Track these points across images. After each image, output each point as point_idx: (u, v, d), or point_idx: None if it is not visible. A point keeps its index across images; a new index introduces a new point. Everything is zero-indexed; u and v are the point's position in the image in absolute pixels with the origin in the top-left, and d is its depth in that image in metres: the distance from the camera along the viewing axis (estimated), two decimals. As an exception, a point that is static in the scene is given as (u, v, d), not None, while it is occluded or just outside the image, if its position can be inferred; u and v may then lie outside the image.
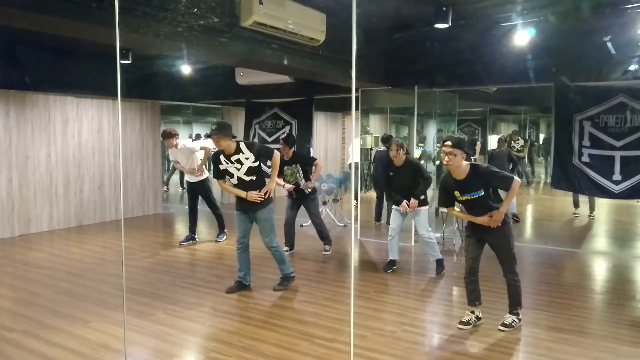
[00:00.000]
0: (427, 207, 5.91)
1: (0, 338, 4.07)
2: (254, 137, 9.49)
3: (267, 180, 5.17)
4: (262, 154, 5.07)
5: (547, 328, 4.28)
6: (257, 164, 4.99)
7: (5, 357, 3.73)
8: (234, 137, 5.02)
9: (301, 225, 8.41)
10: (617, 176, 6.16)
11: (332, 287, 5.46)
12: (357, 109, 8.23)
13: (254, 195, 4.94)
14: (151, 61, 8.28)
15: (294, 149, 6.57)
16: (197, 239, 7.44)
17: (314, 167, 6.51)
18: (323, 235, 6.81)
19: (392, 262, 6.01)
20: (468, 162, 4.10)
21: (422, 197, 5.79)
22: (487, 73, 6.92)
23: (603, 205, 10.56)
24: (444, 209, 4.74)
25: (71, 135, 8.58)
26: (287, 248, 6.76)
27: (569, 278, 6.08)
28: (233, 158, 4.94)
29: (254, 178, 5.00)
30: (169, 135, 6.89)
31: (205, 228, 8.35)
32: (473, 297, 4.33)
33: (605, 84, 6.36)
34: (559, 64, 6.38)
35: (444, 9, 5.48)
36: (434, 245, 5.88)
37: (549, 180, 13.29)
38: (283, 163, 6.34)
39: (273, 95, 9.32)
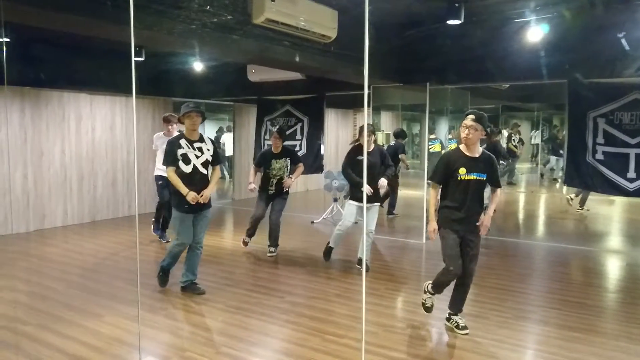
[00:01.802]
0: (378, 204, 5.88)
1: (15, 331, 4.14)
2: (265, 133, 9.53)
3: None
4: (214, 155, 4.98)
5: (558, 326, 4.26)
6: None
7: (21, 350, 3.80)
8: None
9: (312, 222, 8.44)
10: (631, 174, 6.10)
11: (342, 283, 5.47)
12: (368, 106, 8.23)
13: (194, 196, 4.69)
14: (164, 58, 8.34)
15: (284, 143, 6.61)
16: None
17: (297, 167, 6.54)
18: (274, 236, 6.58)
19: (330, 249, 6.08)
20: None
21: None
22: (499, 70, 6.89)
23: (616, 202, 10.46)
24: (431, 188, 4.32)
25: (85, 132, 8.68)
26: (272, 249, 6.59)
27: (580, 276, 6.05)
28: (196, 145, 4.85)
29: (206, 172, 4.91)
30: (167, 120, 7.08)
31: (215, 225, 8.39)
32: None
33: (620, 81, 6.30)
34: (572, 61, 6.33)
35: (457, 5, 5.46)
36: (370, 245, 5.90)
37: (556, 178, 13.19)
38: (271, 156, 6.45)
39: (284, 92, 9.35)
